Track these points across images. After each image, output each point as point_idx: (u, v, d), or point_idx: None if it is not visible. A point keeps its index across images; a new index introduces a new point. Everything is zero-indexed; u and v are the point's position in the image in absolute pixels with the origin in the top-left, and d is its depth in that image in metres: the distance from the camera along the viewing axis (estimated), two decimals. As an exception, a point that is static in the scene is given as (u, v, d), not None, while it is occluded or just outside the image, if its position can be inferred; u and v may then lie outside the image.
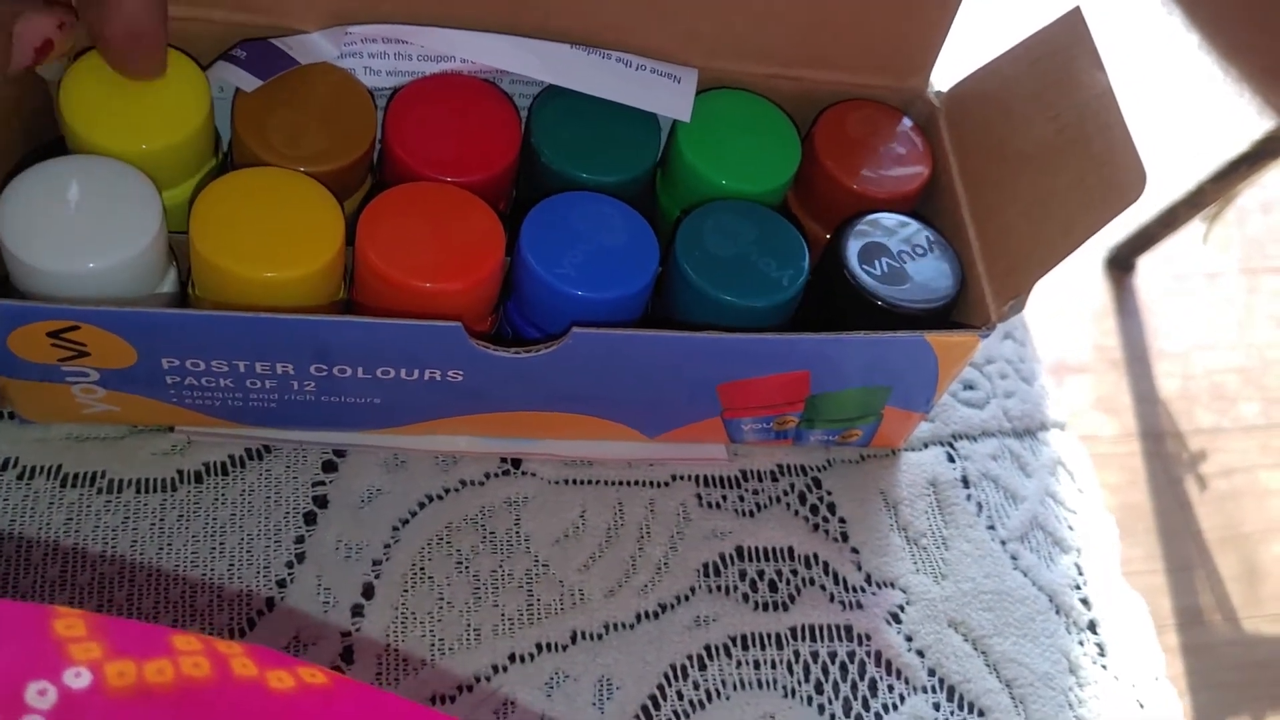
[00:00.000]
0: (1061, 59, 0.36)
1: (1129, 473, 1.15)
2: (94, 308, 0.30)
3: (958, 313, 0.37)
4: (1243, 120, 1.22)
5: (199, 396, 0.34)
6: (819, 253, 0.38)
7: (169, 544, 0.35)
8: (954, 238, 0.38)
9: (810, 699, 0.36)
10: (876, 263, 0.36)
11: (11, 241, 0.30)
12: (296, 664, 0.24)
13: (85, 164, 0.31)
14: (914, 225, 0.37)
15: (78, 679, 0.22)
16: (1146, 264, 1.30)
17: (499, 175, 0.35)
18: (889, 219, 0.37)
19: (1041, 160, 0.36)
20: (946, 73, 0.41)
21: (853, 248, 0.36)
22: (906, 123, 0.40)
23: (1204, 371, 1.25)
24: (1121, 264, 1.29)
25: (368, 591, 0.35)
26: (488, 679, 0.34)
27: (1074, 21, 0.36)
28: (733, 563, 0.38)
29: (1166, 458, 1.19)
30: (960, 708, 0.37)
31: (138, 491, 0.36)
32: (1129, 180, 0.33)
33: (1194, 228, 1.26)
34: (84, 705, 0.21)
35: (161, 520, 0.35)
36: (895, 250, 0.36)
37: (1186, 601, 1.10)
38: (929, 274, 0.36)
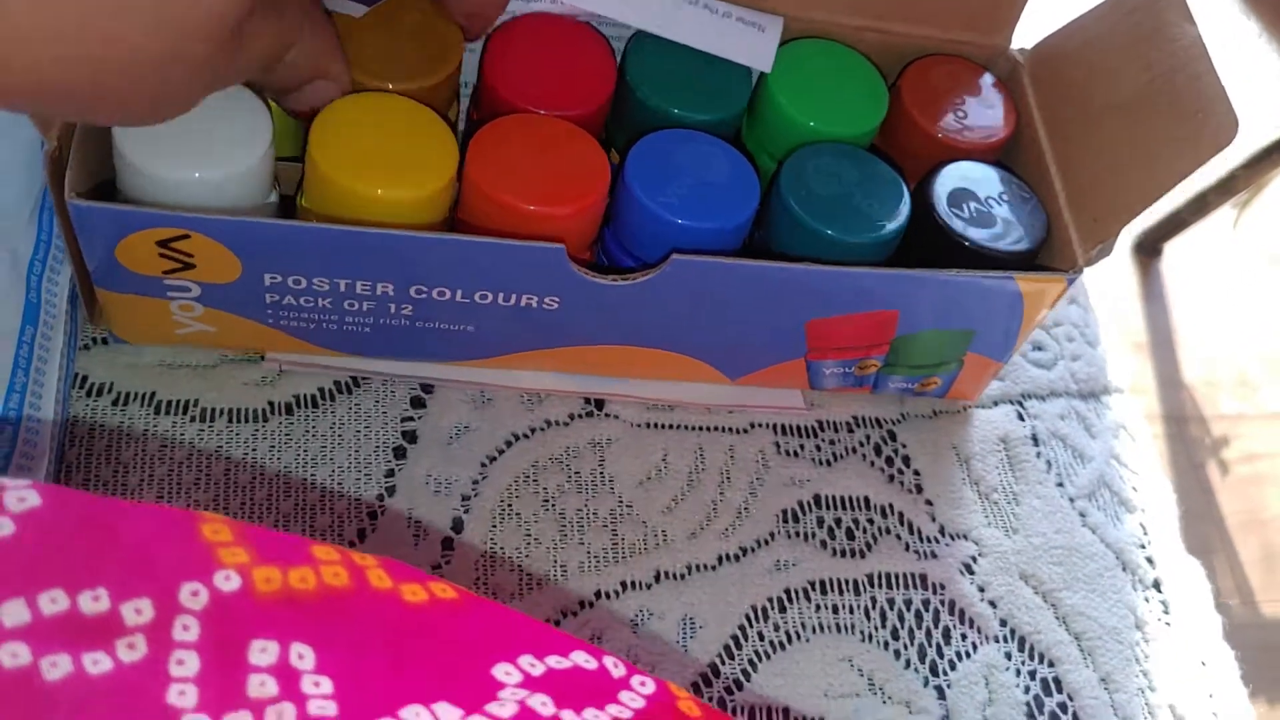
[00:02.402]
0: (1151, 12, 0.36)
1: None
2: (209, 215, 0.31)
3: (1043, 260, 0.38)
4: (1277, 107, 1.22)
5: (295, 317, 0.35)
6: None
7: (261, 474, 0.35)
8: (1039, 187, 0.38)
9: (886, 644, 0.37)
10: (964, 206, 0.36)
11: (125, 144, 0.31)
12: (427, 579, 0.24)
13: None
14: (1000, 173, 0.38)
15: (228, 582, 0.22)
16: (1174, 249, 1.30)
17: (597, 110, 0.36)
18: (975, 167, 0.38)
19: (1131, 110, 0.36)
20: (1025, 35, 0.41)
21: (941, 192, 0.37)
22: (990, 78, 0.40)
23: (1228, 357, 1.25)
24: (1149, 249, 1.29)
25: (457, 526, 0.35)
26: (575, 614, 0.35)
27: None
28: (811, 510, 0.38)
29: (1189, 442, 1.19)
30: (1030, 658, 0.38)
31: (230, 421, 0.36)
32: (1221, 126, 0.33)
33: (1224, 214, 1.26)
34: (234, 607, 0.22)
35: (254, 450, 0.36)
36: (983, 196, 0.37)
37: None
38: (1016, 219, 0.37)
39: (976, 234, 0.36)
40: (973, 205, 0.37)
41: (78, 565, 0.21)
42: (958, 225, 0.36)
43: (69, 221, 0.31)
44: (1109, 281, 1.27)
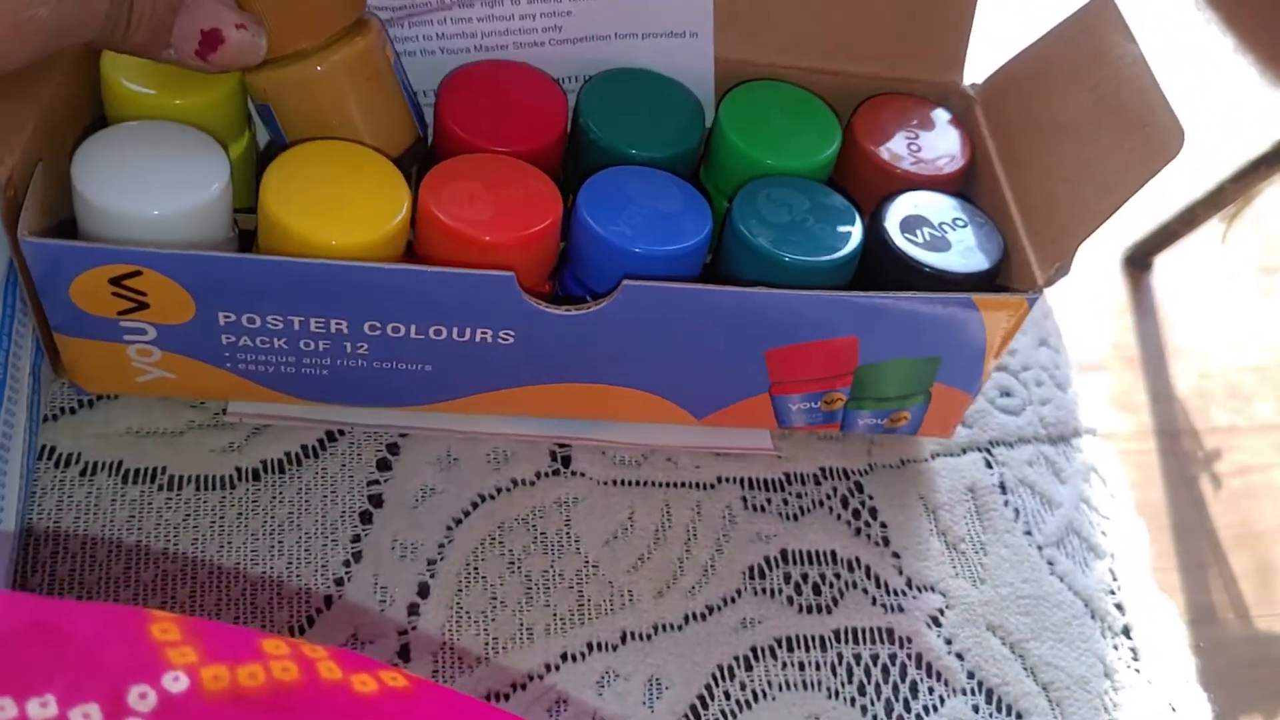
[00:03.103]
0: (1095, 36, 0.38)
1: (1144, 470, 1.16)
2: (158, 250, 0.31)
3: (1003, 283, 0.38)
4: (1265, 121, 1.22)
5: (252, 360, 0.35)
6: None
7: (229, 541, 0.36)
8: (997, 214, 0.39)
9: (853, 700, 0.37)
10: (918, 232, 0.37)
11: (83, 183, 0.31)
12: (378, 667, 0.25)
13: (162, 127, 0.33)
14: (954, 201, 0.39)
15: (176, 683, 0.22)
16: (1164, 262, 1.30)
17: (549, 145, 0.37)
18: (927, 195, 0.39)
19: (1080, 130, 0.37)
20: (982, 72, 0.42)
21: (893, 219, 0.38)
22: (944, 113, 0.41)
23: (1220, 370, 1.25)
24: (1139, 262, 1.29)
25: (423, 590, 0.36)
26: (540, 677, 0.35)
27: (1103, 2, 0.37)
28: (777, 565, 0.39)
29: (1182, 456, 1.19)
30: (999, 710, 0.38)
31: (197, 489, 0.36)
32: (1167, 138, 0.34)
33: (1213, 227, 1.26)
34: (182, 709, 0.22)
35: (221, 518, 0.36)
36: (936, 222, 0.38)
37: (1199, 599, 1.11)
38: (971, 243, 0.37)
39: (932, 258, 0.36)
40: (926, 231, 0.37)
41: (26, 672, 0.21)
42: (911, 250, 0.37)
43: (24, 263, 0.32)
44: (1100, 294, 1.27)
